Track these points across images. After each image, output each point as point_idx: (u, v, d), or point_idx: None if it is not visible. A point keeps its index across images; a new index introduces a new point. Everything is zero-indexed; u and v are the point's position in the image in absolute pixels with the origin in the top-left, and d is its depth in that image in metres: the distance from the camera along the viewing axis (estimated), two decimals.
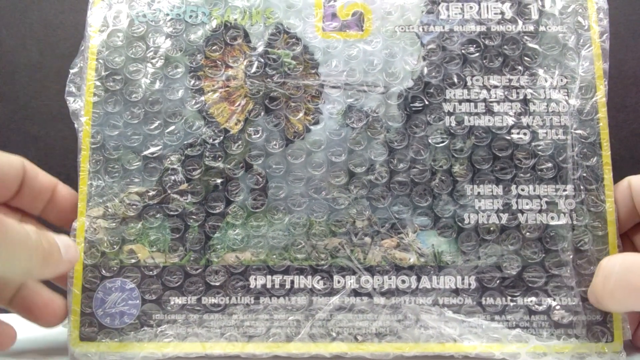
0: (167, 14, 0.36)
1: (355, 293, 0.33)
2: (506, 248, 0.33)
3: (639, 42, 0.44)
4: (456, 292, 0.33)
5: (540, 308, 0.33)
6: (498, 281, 0.33)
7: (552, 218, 0.33)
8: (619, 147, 0.43)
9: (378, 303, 0.33)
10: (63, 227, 0.35)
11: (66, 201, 0.35)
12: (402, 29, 0.35)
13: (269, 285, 0.33)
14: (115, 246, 0.34)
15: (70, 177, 0.36)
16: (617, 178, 0.34)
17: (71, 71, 0.36)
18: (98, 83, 0.35)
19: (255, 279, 0.33)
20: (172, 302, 0.33)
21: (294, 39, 0.35)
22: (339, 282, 0.33)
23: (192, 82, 0.35)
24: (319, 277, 0.33)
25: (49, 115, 0.47)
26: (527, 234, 0.33)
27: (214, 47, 0.35)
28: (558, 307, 0.33)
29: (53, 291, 0.34)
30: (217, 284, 0.33)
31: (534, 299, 0.33)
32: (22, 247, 0.27)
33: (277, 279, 0.33)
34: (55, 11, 0.46)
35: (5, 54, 0.46)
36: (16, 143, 0.49)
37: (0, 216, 0.26)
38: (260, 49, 0.35)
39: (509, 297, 0.33)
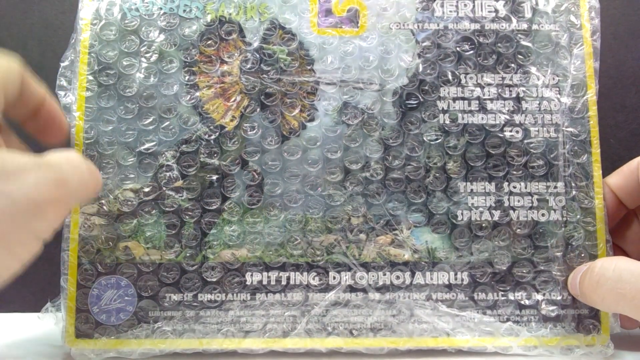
0: (161, 8, 0.35)
1: (351, 289, 0.34)
2: (497, 244, 0.34)
3: (639, 42, 0.44)
4: (449, 287, 0.34)
5: (529, 302, 0.34)
6: (489, 276, 0.34)
7: (543, 215, 0.34)
8: (619, 148, 0.43)
9: (373, 298, 0.34)
10: (45, 142, 0.33)
11: (52, 118, 0.32)
12: (397, 25, 0.35)
13: (265, 282, 0.34)
14: (110, 243, 0.34)
15: None
16: None
17: (62, 64, 0.35)
18: (91, 77, 0.35)
19: (252, 275, 0.34)
20: (168, 299, 0.33)
21: (289, 35, 0.35)
22: (334, 278, 0.34)
23: (187, 77, 0.35)
24: (315, 273, 0.34)
25: None
26: (518, 230, 0.34)
27: (208, 42, 0.35)
28: (546, 301, 0.34)
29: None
30: (214, 280, 0.33)
31: (523, 293, 0.34)
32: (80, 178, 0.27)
33: (273, 275, 0.34)
34: (55, 12, 0.45)
35: None
36: None
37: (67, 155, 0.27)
38: (255, 45, 0.35)
39: (500, 292, 0.34)
